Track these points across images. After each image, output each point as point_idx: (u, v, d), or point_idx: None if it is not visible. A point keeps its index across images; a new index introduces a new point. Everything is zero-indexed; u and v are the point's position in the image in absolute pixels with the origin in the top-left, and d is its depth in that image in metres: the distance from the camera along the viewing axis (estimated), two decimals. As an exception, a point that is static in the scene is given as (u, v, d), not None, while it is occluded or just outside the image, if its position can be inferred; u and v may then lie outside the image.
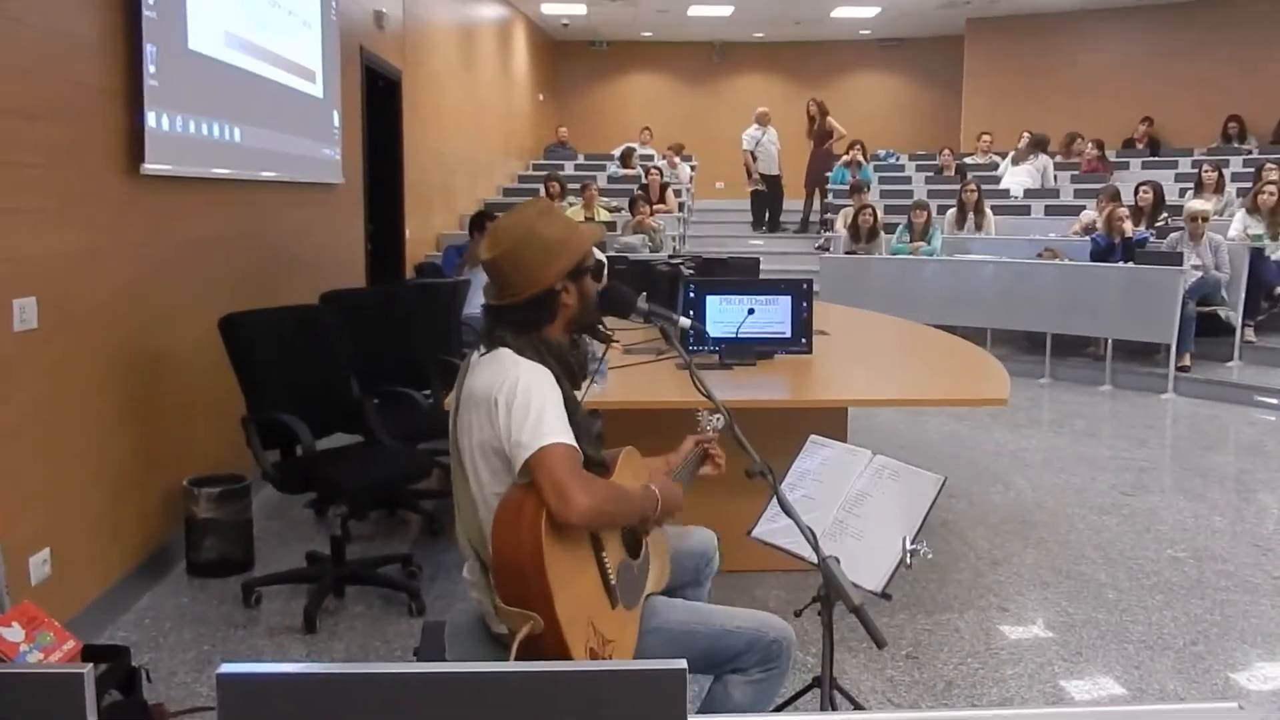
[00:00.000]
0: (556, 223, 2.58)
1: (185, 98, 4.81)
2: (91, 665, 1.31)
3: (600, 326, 2.67)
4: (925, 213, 10.78)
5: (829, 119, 14.96)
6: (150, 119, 4.49)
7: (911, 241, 10.64)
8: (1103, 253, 9.41)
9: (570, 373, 2.53)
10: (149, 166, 4.49)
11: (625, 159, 15.18)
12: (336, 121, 7.12)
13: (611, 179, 14.52)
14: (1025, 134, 14.14)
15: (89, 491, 4.17)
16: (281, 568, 4.73)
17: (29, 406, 3.75)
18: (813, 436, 3.04)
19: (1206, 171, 11.12)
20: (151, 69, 4.49)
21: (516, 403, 2.34)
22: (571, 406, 2.46)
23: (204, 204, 5.20)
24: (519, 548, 2.23)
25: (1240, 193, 10.82)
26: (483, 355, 2.50)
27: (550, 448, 2.29)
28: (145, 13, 4.44)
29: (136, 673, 3.38)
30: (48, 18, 3.87)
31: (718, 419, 2.84)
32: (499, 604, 2.28)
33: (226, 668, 1.30)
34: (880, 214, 11.45)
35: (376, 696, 1.31)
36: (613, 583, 2.42)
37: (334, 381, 4.78)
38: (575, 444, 2.36)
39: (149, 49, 4.47)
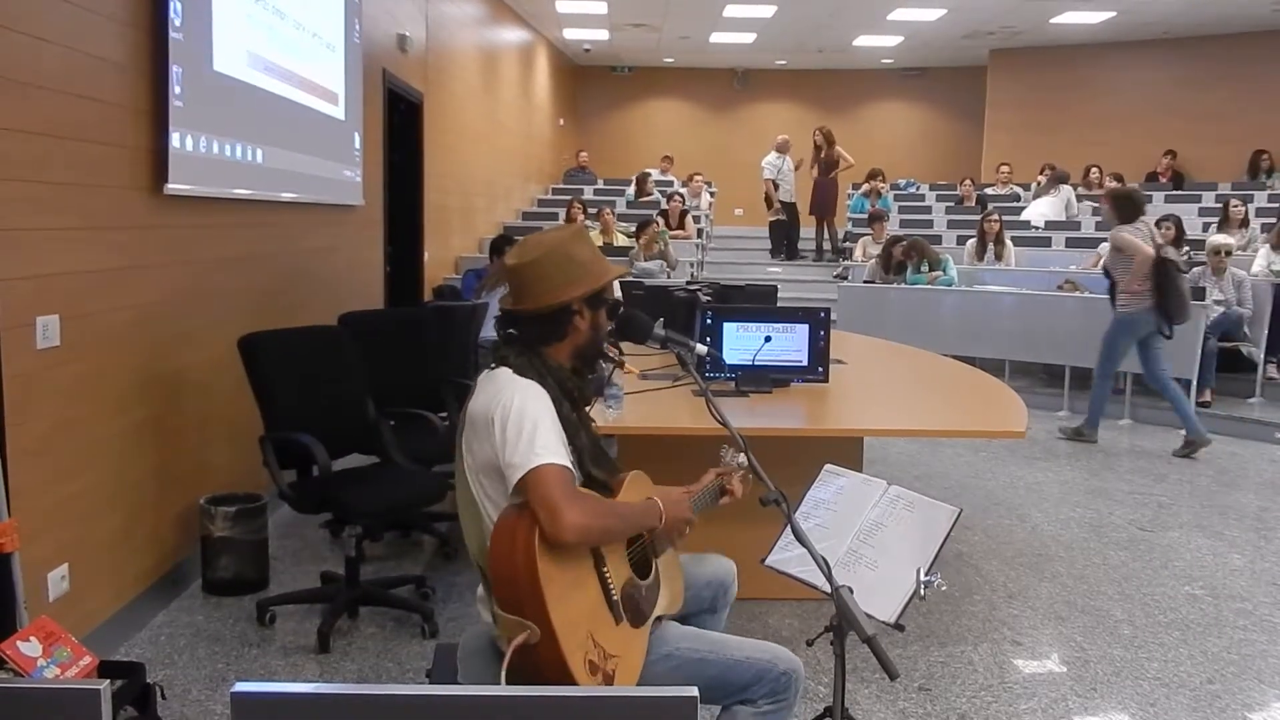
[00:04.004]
0: (587, 247, 2.64)
1: (209, 119, 4.86)
2: (108, 681, 1.32)
3: (609, 351, 2.69)
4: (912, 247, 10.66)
5: (836, 148, 14.95)
6: (174, 139, 4.53)
7: (930, 272, 10.59)
8: (1123, 286, 9.35)
9: (570, 396, 2.54)
10: (172, 186, 4.53)
11: (640, 185, 15.19)
12: (358, 143, 7.17)
13: (630, 204, 14.56)
14: (1047, 169, 14.11)
15: (107, 508, 4.20)
16: (296, 587, 4.75)
17: (50, 423, 3.78)
18: (828, 466, 3.04)
19: (1234, 206, 11.05)
20: (176, 90, 4.54)
21: (510, 423, 2.37)
22: (572, 428, 2.48)
23: (225, 224, 5.24)
24: (514, 564, 2.26)
25: (1264, 228, 10.78)
26: (486, 375, 2.54)
27: (542, 468, 2.31)
28: (171, 34, 4.49)
29: (151, 689, 3.40)
30: (75, 39, 3.91)
31: (741, 458, 2.84)
32: (497, 611, 2.30)
33: (240, 686, 1.31)
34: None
35: (389, 718, 1.32)
36: (615, 598, 2.43)
37: (351, 402, 4.80)
38: (568, 464, 2.37)
39: (174, 70, 4.52)
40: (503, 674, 2.22)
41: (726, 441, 2.84)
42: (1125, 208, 7.69)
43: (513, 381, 2.45)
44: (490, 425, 2.40)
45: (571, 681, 2.23)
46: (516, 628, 2.24)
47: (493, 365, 2.55)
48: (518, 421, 2.36)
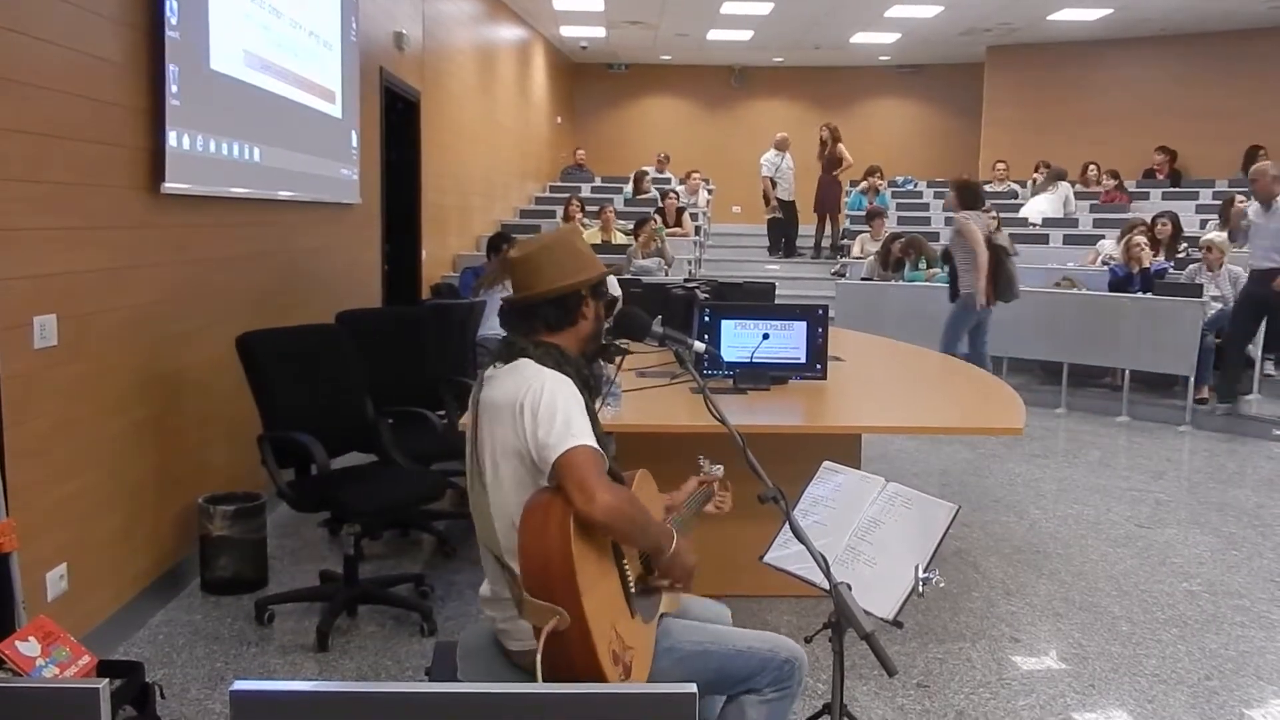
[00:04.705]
0: (585, 243, 2.74)
1: (206, 117, 4.86)
2: (107, 681, 1.32)
3: (611, 344, 2.72)
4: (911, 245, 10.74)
5: (839, 146, 14.96)
6: (171, 138, 4.53)
7: (928, 269, 10.61)
8: (1121, 283, 9.38)
9: (586, 386, 2.57)
10: (169, 185, 4.53)
11: (637, 183, 15.18)
12: (355, 142, 7.16)
13: (628, 201, 14.54)
14: (1043, 166, 14.11)
15: (106, 508, 4.19)
16: (295, 586, 4.75)
17: (48, 423, 3.78)
18: (826, 463, 3.04)
19: (1240, 202, 11.01)
20: (173, 89, 4.53)
21: (543, 409, 2.39)
22: (591, 417, 2.49)
23: (223, 223, 5.24)
24: (547, 545, 2.25)
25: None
26: (500, 368, 2.54)
27: (577, 449, 2.33)
28: (168, 33, 4.49)
29: (150, 689, 3.40)
30: (72, 38, 3.91)
31: (718, 468, 2.95)
32: (525, 597, 2.27)
33: (239, 685, 1.31)
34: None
35: (388, 715, 1.32)
36: (632, 591, 2.45)
37: (349, 401, 4.79)
38: (600, 448, 2.39)
39: (171, 69, 4.52)
40: (538, 663, 2.18)
41: (703, 453, 2.94)
42: (967, 196, 8.45)
43: (540, 371, 2.47)
44: (519, 412, 2.41)
45: (598, 671, 2.22)
46: (546, 614, 2.21)
47: (499, 363, 2.57)
48: (550, 406, 2.39)
